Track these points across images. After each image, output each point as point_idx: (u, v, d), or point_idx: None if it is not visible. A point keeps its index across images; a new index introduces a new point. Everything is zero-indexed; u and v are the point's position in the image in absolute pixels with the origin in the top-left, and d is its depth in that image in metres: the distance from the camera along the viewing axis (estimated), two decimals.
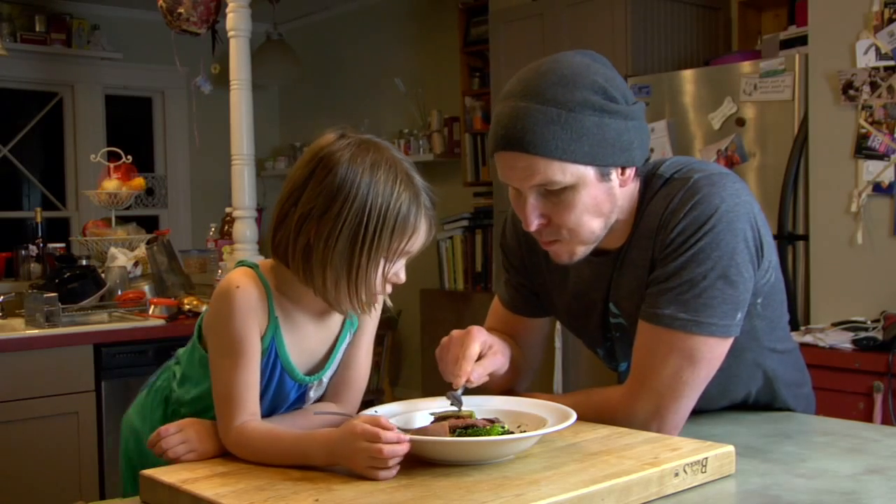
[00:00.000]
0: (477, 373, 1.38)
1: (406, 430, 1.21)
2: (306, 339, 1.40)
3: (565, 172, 1.32)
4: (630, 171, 1.39)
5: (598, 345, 1.59)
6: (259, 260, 1.41)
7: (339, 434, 1.15)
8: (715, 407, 1.57)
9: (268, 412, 1.39)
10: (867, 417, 2.66)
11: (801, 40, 3.30)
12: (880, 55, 2.94)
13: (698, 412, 1.46)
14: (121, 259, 3.57)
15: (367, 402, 1.44)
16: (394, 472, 1.12)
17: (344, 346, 1.45)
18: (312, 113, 6.78)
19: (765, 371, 1.55)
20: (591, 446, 1.24)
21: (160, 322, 3.28)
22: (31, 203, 6.28)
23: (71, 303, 3.30)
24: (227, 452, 1.28)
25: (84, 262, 3.66)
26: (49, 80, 6.15)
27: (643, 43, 3.87)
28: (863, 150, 2.98)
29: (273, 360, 1.36)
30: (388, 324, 5.56)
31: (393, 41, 6.08)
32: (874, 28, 2.95)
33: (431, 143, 5.52)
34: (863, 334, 2.77)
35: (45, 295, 3.16)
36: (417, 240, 1.30)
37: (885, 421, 2.61)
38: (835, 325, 2.96)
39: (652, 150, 1.44)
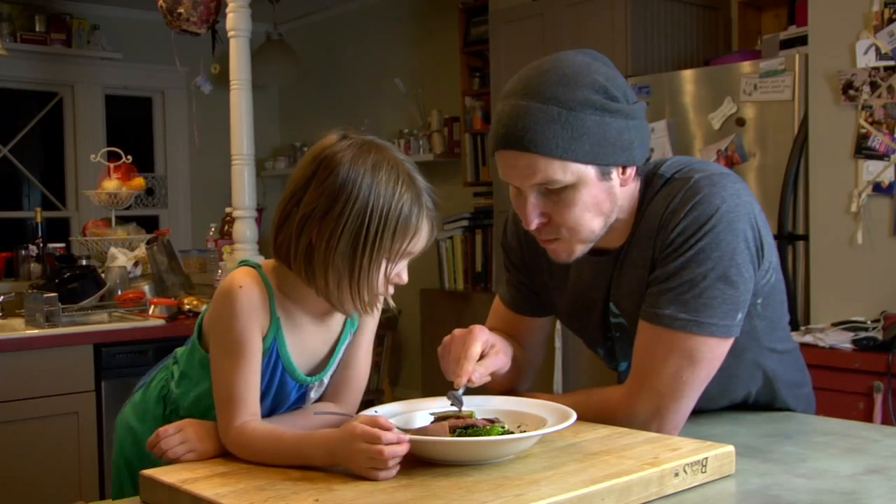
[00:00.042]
0: (478, 373, 1.37)
1: (406, 430, 1.21)
2: (307, 340, 1.40)
3: (566, 171, 1.32)
4: (631, 171, 1.39)
5: (599, 344, 1.59)
6: (260, 260, 1.41)
7: (339, 435, 1.15)
8: (715, 407, 1.57)
9: (268, 412, 1.39)
10: (867, 417, 2.66)
11: (801, 40, 3.30)
12: (880, 55, 2.94)
13: (698, 412, 1.46)
14: (121, 259, 3.57)
15: (367, 402, 1.44)
16: (394, 472, 1.12)
17: (345, 346, 1.45)
18: (312, 113, 6.78)
19: (765, 371, 1.55)
20: (591, 446, 1.24)
21: (160, 322, 3.28)
22: (31, 203, 6.28)
23: (71, 303, 3.30)
24: (226, 452, 1.28)
25: (84, 262, 3.66)
26: (49, 80, 6.15)
27: (643, 43, 3.87)
28: (863, 150, 2.98)
29: (274, 361, 1.36)
30: (388, 324, 5.56)
31: (393, 41, 6.08)
32: (874, 28, 2.95)
33: (431, 143, 5.52)
34: (863, 334, 2.77)
35: (45, 295, 3.16)
36: (419, 241, 1.30)
37: (885, 421, 2.61)
38: (835, 325, 2.96)
39: (652, 150, 1.44)
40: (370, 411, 1.30)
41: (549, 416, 1.28)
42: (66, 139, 6.30)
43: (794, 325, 2.95)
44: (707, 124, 3.40)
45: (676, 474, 1.15)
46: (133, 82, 6.45)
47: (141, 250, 3.71)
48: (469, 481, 1.10)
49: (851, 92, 3.00)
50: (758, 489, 1.16)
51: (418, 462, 1.16)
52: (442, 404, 1.34)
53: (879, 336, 2.73)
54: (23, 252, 3.83)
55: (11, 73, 5.91)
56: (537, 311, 1.65)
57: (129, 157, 3.92)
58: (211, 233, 4.19)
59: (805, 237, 3.17)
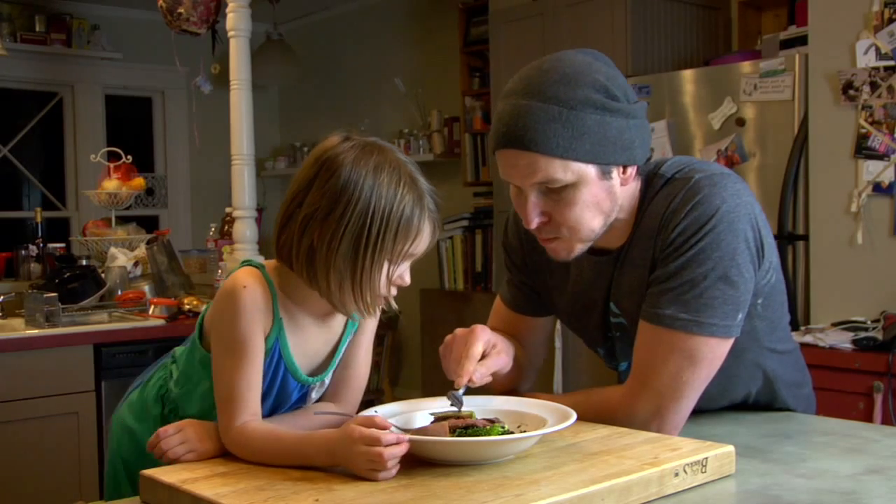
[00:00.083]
0: (479, 373, 1.37)
1: (406, 430, 1.21)
2: (309, 341, 1.40)
3: (566, 170, 1.32)
4: (631, 170, 1.39)
5: (599, 344, 1.59)
6: (261, 260, 1.41)
7: (338, 436, 1.15)
8: (715, 407, 1.57)
9: (270, 412, 1.39)
10: (867, 417, 2.66)
11: (801, 40, 3.30)
12: (880, 55, 2.94)
13: (698, 412, 1.46)
14: (121, 259, 3.57)
15: (367, 402, 1.44)
16: (393, 472, 1.12)
17: (346, 347, 1.45)
18: (312, 113, 6.78)
19: (765, 371, 1.55)
20: (591, 446, 1.24)
21: (160, 322, 3.28)
22: (31, 203, 6.28)
23: (71, 303, 3.30)
24: (226, 452, 1.28)
25: (84, 262, 3.66)
26: (49, 80, 6.14)
27: (643, 43, 3.87)
28: (863, 150, 2.98)
29: (277, 361, 1.36)
30: (388, 324, 5.56)
31: (393, 41, 6.08)
32: (874, 28, 2.95)
33: (431, 143, 5.52)
34: (863, 334, 2.77)
35: (45, 295, 3.17)
36: (421, 242, 1.30)
37: (885, 421, 2.61)
38: (835, 325, 2.96)
39: (652, 150, 1.44)
40: (370, 411, 1.30)
41: (549, 416, 1.28)
42: (66, 139, 6.30)
43: (794, 325, 2.95)
44: (707, 124, 3.40)
45: (676, 474, 1.15)
46: (133, 82, 6.45)
47: (141, 250, 3.71)
48: (469, 481, 1.10)
49: (851, 92, 3.00)
50: (758, 489, 1.16)
51: (418, 462, 1.16)
52: (442, 404, 1.34)
53: (879, 336, 2.73)
54: (23, 252, 3.83)
55: (11, 73, 5.91)
56: (538, 311, 1.65)
57: (129, 157, 3.92)
58: (211, 233, 4.19)
59: (805, 237, 3.17)
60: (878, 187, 2.95)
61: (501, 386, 1.56)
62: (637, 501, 1.10)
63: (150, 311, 3.37)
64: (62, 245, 4.03)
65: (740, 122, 3.30)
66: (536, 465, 1.16)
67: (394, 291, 1.33)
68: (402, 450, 1.12)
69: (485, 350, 1.42)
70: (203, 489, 1.10)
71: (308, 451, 1.19)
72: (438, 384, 1.38)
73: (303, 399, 1.44)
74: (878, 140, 2.94)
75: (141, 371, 1.65)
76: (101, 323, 3.27)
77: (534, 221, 1.37)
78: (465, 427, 1.20)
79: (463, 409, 1.30)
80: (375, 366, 5.46)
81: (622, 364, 1.56)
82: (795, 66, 3.16)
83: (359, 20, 6.33)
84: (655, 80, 3.61)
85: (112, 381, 3.14)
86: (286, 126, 7.09)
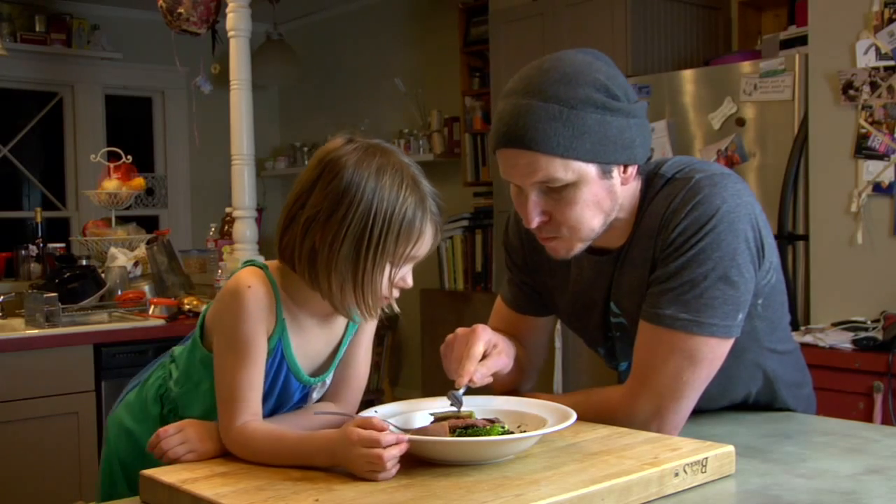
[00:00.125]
0: (480, 373, 1.37)
1: (406, 430, 1.21)
2: (311, 341, 1.40)
3: (567, 169, 1.32)
4: (632, 170, 1.39)
5: (599, 344, 1.59)
6: (263, 260, 1.41)
7: (338, 438, 1.15)
8: (715, 407, 1.57)
9: (271, 413, 1.39)
10: (867, 417, 2.66)
11: (801, 40, 3.30)
12: (880, 55, 2.94)
13: (698, 412, 1.46)
14: (121, 259, 3.57)
15: (367, 402, 1.44)
16: (393, 472, 1.12)
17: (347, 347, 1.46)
18: (312, 113, 6.78)
19: (765, 372, 1.55)
20: (591, 446, 1.24)
21: (160, 322, 3.28)
22: (31, 203, 6.28)
23: (71, 303, 3.30)
24: (227, 452, 1.28)
25: (84, 262, 3.66)
26: (49, 80, 6.14)
27: (643, 43, 3.87)
28: (863, 150, 2.98)
29: (279, 361, 1.36)
30: (388, 324, 5.56)
31: (393, 41, 6.08)
32: (874, 28, 2.95)
33: (431, 143, 5.52)
34: (863, 334, 2.77)
35: (45, 295, 3.17)
36: (423, 245, 1.30)
37: (885, 421, 2.61)
38: (835, 325, 2.96)
39: (652, 150, 1.44)
40: (370, 411, 1.30)
41: (549, 416, 1.28)
42: (66, 139, 6.30)
43: (795, 325, 2.95)
44: (707, 124, 3.40)
45: (676, 474, 1.15)
46: (133, 82, 6.45)
47: (141, 250, 3.71)
48: (469, 481, 1.10)
49: (851, 92, 3.00)
50: (758, 489, 1.16)
51: (418, 462, 1.16)
52: (442, 404, 1.34)
53: (879, 336, 2.73)
54: (23, 252, 3.83)
55: (11, 73, 5.91)
56: (539, 311, 1.65)
57: (129, 157, 3.92)
58: (211, 233, 4.19)
59: (805, 237, 3.17)
60: (878, 187, 2.95)
61: (502, 386, 1.56)
62: (637, 501, 1.10)
63: (150, 312, 3.37)
64: (62, 245, 4.03)
65: (740, 122, 3.30)
66: (536, 465, 1.16)
67: (396, 293, 1.33)
68: (401, 450, 1.12)
69: (486, 350, 1.42)
70: (203, 489, 1.10)
71: (308, 452, 1.19)
72: (438, 384, 1.38)
73: (304, 399, 1.44)
74: (878, 140, 2.94)
75: (140, 371, 1.64)
76: (101, 323, 3.27)
77: (534, 221, 1.37)
78: (465, 427, 1.20)
79: (463, 409, 1.30)
80: (375, 366, 5.47)
81: (622, 364, 1.56)
82: (795, 66, 3.16)
83: (359, 20, 6.33)
84: (655, 80, 3.61)
85: (112, 381, 3.14)
86: (286, 126, 7.09)
